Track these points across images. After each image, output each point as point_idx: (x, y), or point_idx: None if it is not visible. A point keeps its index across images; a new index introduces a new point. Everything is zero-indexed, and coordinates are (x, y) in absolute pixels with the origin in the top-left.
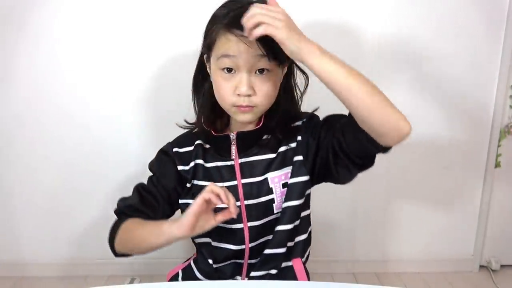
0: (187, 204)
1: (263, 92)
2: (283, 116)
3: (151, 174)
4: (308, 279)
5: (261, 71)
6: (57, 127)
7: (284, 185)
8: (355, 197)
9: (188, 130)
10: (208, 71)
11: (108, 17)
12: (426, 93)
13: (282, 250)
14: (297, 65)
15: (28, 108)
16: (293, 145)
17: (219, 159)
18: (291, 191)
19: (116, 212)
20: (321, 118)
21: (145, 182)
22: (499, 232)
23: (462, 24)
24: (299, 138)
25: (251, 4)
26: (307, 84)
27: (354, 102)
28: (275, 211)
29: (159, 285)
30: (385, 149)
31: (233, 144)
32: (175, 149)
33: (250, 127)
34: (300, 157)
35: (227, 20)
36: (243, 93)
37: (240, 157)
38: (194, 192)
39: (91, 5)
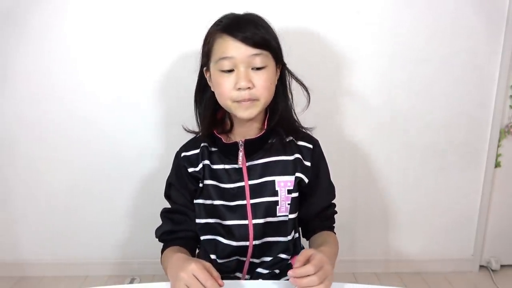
0: (200, 204)
1: (262, 85)
2: (284, 118)
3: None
4: None
5: (258, 68)
6: (58, 128)
7: (289, 191)
8: (355, 197)
9: (193, 136)
10: (209, 83)
11: (107, 19)
12: (426, 93)
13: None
14: (297, 79)
15: (29, 108)
16: (308, 164)
17: (227, 162)
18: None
19: (159, 240)
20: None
21: (165, 203)
22: (499, 232)
23: (462, 24)
24: (309, 164)
25: (245, 16)
26: (309, 101)
27: None
28: (277, 214)
29: (159, 285)
30: None
31: (241, 150)
32: (183, 154)
33: (254, 132)
34: (306, 179)
35: (222, 24)
36: (243, 86)
37: (247, 161)
38: (205, 192)
39: (95, 4)
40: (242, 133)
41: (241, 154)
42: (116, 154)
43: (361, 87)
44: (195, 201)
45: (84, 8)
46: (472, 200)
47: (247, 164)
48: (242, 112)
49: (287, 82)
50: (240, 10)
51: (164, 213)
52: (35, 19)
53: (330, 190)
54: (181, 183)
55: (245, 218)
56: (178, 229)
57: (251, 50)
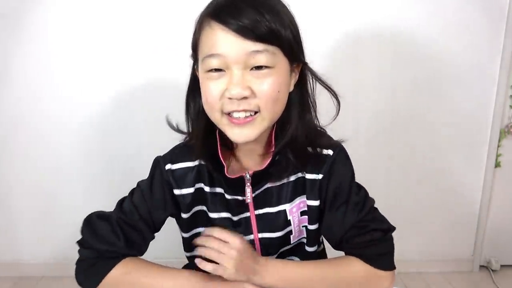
0: (198, 233)
1: (265, 94)
2: (297, 138)
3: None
4: None
5: (259, 67)
6: (55, 128)
7: (303, 213)
8: None
9: (184, 141)
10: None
11: (105, 18)
12: (426, 93)
13: None
14: (318, 79)
15: (26, 109)
16: (319, 177)
17: (229, 192)
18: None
19: (93, 250)
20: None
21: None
22: (499, 232)
23: (462, 24)
24: (321, 176)
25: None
26: (338, 111)
27: None
28: (291, 242)
29: None
30: None
31: (248, 186)
32: (168, 167)
33: (261, 147)
34: (316, 202)
35: (212, 7)
36: (236, 95)
37: (253, 191)
38: (199, 219)
39: (88, 6)
40: (247, 152)
41: (248, 190)
42: (117, 154)
43: (362, 86)
44: (191, 233)
45: (77, 10)
46: (472, 200)
47: (254, 194)
48: (236, 134)
49: (309, 88)
50: None
51: (121, 222)
52: (27, 21)
53: (355, 207)
54: (156, 202)
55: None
56: (127, 253)
57: (250, 45)
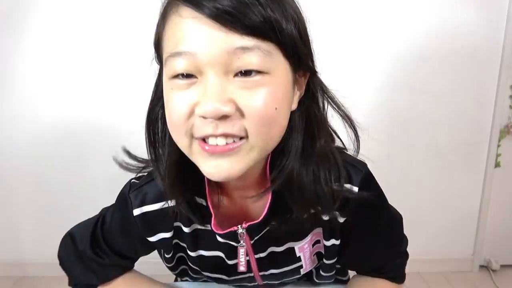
0: (180, 263)
1: (256, 109)
2: (302, 180)
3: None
4: None
5: (247, 72)
6: (57, 127)
7: (315, 243)
8: None
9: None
10: None
11: (107, 19)
12: (426, 93)
13: None
14: (331, 98)
15: (27, 108)
16: (340, 219)
17: (220, 236)
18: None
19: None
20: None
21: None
22: (499, 232)
23: (462, 23)
24: (343, 219)
25: None
26: (358, 147)
27: None
28: (301, 273)
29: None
30: None
31: (242, 244)
32: (138, 212)
33: (253, 180)
34: (336, 242)
35: None
36: (212, 113)
37: (252, 238)
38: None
39: (90, 6)
40: (240, 186)
41: (242, 251)
42: (116, 154)
43: (362, 86)
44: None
45: (79, 9)
46: (472, 200)
47: (252, 241)
48: (211, 167)
49: (320, 106)
50: None
51: (94, 263)
52: (30, 21)
53: (391, 244)
54: (126, 245)
55: (253, 281)
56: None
57: (235, 39)
